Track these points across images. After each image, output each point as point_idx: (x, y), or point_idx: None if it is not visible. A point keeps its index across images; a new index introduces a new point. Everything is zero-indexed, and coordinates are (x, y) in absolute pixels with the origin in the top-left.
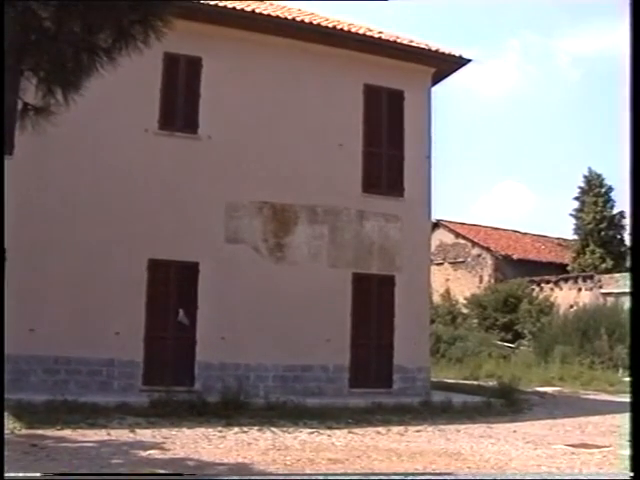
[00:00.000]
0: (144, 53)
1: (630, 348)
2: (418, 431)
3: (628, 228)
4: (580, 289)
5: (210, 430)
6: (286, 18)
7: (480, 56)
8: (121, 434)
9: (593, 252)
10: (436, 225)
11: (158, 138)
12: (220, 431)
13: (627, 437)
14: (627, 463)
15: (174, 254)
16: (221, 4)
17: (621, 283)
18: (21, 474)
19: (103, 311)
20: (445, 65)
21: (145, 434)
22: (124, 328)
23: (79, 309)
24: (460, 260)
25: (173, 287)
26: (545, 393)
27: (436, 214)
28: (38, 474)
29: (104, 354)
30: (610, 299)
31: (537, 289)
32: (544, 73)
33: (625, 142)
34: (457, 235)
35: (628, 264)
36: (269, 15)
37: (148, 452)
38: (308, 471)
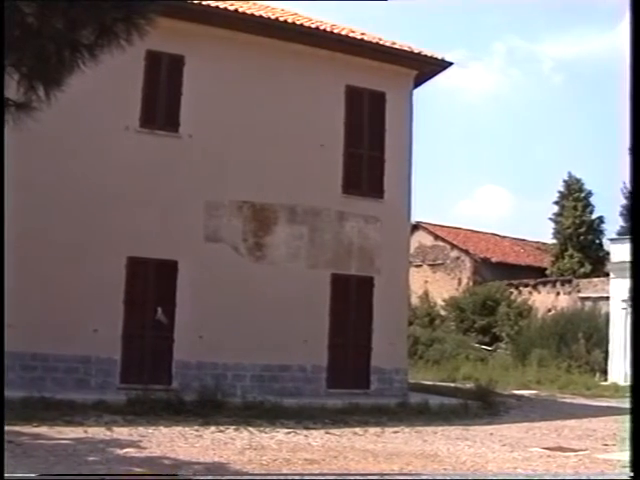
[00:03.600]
0: (126, 50)
1: (631, 349)
2: (395, 432)
3: (607, 233)
4: (558, 293)
5: (187, 429)
6: (269, 18)
7: (464, 59)
8: (98, 432)
9: (572, 256)
10: (415, 227)
11: (139, 136)
12: (197, 430)
13: (602, 441)
14: (602, 467)
15: (153, 252)
16: (204, 3)
17: (599, 288)
18: (21, 474)
19: (81, 308)
20: (427, 68)
21: (122, 432)
22: (102, 325)
23: (57, 306)
24: (439, 262)
25: (152, 285)
26: (522, 396)
27: (416, 216)
28: (38, 475)
29: (82, 351)
30: (588, 303)
31: (515, 292)
32: (527, 77)
33: (606, 147)
34: (436, 237)
35: (606, 269)
36: (252, 15)
37: (125, 450)
38: (285, 471)
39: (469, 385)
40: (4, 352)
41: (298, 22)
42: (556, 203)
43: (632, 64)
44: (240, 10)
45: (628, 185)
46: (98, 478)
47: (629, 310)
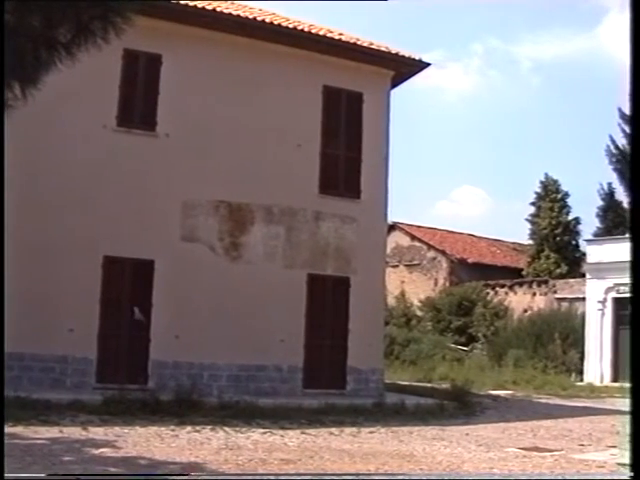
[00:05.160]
0: (104, 49)
1: (631, 349)
2: (371, 432)
3: (583, 234)
4: (534, 294)
5: (163, 429)
6: (247, 17)
7: (442, 59)
8: (73, 432)
9: (548, 257)
10: (392, 227)
11: (116, 135)
12: (173, 430)
13: (578, 441)
14: (578, 467)
15: (130, 251)
16: (182, 2)
17: (575, 288)
18: (21, 474)
19: (57, 307)
20: (404, 68)
21: (97, 432)
22: (78, 325)
23: (33, 305)
24: (415, 263)
25: (128, 284)
26: (498, 396)
27: (392, 216)
28: (38, 474)
29: (57, 351)
30: (564, 304)
31: (492, 293)
32: (505, 78)
33: (583, 149)
34: (413, 238)
35: (582, 270)
36: (230, 14)
37: (100, 450)
38: (260, 471)
39: (445, 385)
40: (4, 352)
41: (276, 22)
42: (533, 204)
43: (632, 64)
44: (218, 9)
45: (605, 187)
46: (97, 477)
47: (605, 311)
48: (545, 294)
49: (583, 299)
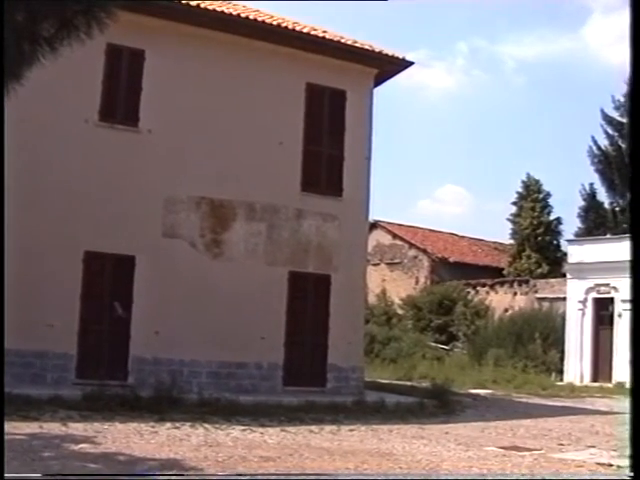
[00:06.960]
0: (87, 43)
1: (631, 348)
2: (351, 430)
3: (564, 234)
4: (515, 293)
5: (142, 425)
6: (230, 14)
7: (426, 58)
8: (53, 427)
9: (529, 257)
10: (374, 226)
11: (98, 130)
12: (152, 426)
13: (558, 440)
14: (558, 466)
15: (111, 247)
16: None
17: (556, 288)
18: (21, 474)
19: (37, 303)
20: (388, 66)
21: (77, 428)
22: (58, 320)
23: (13, 300)
24: (397, 261)
25: (109, 280)
26: (478, 395)
27: (374, 215)
28: (38, 475)
29: (38, 346)
30: (545, 304)
31: (473, 292)
32: (489, 78)
33: (565, 149)
34: (394, 236)
35: (563, 270)
36: (214, 11)
37: (79, 446)
38: (240, 468)
39: (425, 384)
40: (4, 352)
41: (260, 19)
42: (514, 204)
43: (632, 64)
44: (202, 6)
45: (587, 187)
46: (97, 477)
47: (585, 311)
48: (526, 294)
49: (564, 299)
